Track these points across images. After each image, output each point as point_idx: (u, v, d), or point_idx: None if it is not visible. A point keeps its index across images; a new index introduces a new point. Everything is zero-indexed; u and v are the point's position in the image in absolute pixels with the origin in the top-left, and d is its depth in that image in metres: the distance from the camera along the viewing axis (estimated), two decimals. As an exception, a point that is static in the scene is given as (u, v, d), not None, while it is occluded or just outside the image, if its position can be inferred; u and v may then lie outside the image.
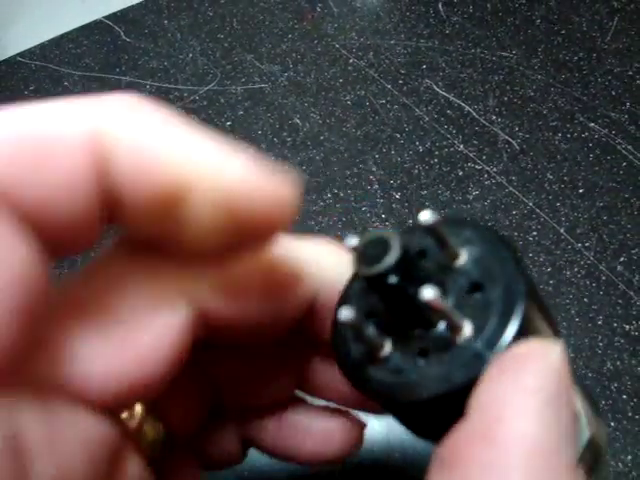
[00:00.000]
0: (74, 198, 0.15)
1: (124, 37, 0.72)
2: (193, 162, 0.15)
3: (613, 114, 0.61)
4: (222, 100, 0.65)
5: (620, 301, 0.51)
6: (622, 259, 0.52)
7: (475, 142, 0.60)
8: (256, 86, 0.66)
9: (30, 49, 0.73)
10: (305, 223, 0.56)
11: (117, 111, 0.15)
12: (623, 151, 0.59)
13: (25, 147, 0.14)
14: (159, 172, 0.15)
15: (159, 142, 0.15)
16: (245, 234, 0.17)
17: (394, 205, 0.57)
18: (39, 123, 0.15)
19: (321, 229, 0.56)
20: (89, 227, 0.15)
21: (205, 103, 0.65)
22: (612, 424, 0.45)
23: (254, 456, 0.27)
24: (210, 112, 0.64)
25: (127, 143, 0.15)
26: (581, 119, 0.61)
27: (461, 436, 0.15)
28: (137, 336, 0.16)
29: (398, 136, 0.61)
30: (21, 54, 0.72)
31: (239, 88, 0.66)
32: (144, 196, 0.15)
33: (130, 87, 0.67)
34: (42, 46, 0.73)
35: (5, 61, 0.72)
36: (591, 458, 0.19)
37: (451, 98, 0.64)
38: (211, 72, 0.68)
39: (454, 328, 0.17)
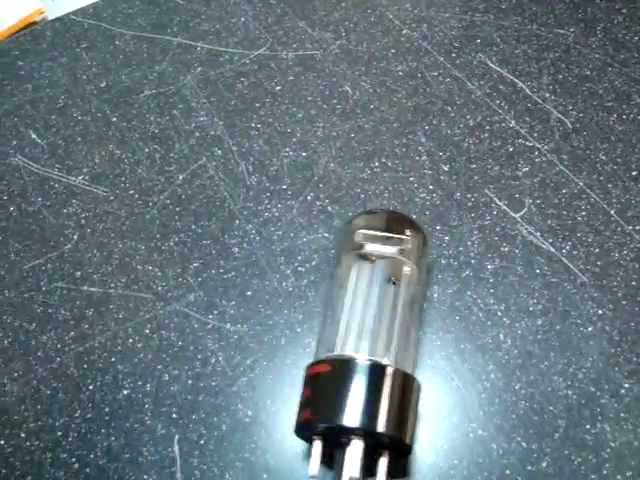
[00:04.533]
0: None
1: (177, -1, 0.72)
2: None
3: (672, 97, 0.60)
4: (272, 65, 0.65)
5: (669, 286, 0.49)
6: (674, 244, 0.51)
7: (527, 119, 0.59)
8: (307, 53, 0.66)
9: (83, 8, 0.73)
10: (352, 190, 0.56)
11: None
12: (680, 135, 0.57)
13: None
14: None
15: None
16: None
17: (442, 177, 0.56)
18: None
19: (367, 197, 0.55)
20: None
21: (256, 67, 0.65)
22: (654, 409, 0.45)
23: None
24: (260, 76, 0.64)
25: None
26: (638, 100, 0.60)
27: None
28: None
29: (449, 109, 0.60)
30: (74, 12, 0.73)
31: (290, 54, 0.66)
32: None
33: (181, 48, 0.67)
34: (95, 5, 0.73)
35: (58, 19, 0.73)
36: None
37: (504, 74, 0.62)
38: (262, 37, 0.67)
39: None
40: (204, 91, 0.63)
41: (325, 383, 0.39)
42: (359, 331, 0.42)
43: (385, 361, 0.40)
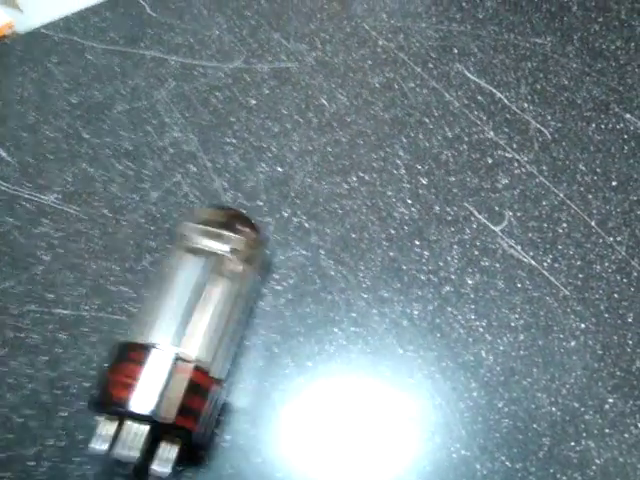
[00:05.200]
0: None
1: (149, 11, 0.71)
2: None
3: (650, 105, 0.59)
4: (248, 78, 0.64)
5: (652, 298, 0.49)
6: (655, 255, 0.51)
7: (506, 130, 0.59)
8: (282, 65, 0.65)
9: (54, 22, 0.72)
10: (329, 206, 0.55)
11: None
12: (659, 144, 0.57)
13: None
14: None
15: None
16: None
17: (420, 191, 0.55)
18: None
19: (345, 212, 0.54)
20: None
21: (230, 81, 0.64)
22: (639, 425, 0.44)
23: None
24: (235, 90, 0.63)
25: None
26: (616, 110, 0.59)
27: None
28: None
29: (427, 121, 0.60)
30: (45, 26, 0.71)
31: (265, 67, 0.65)
32: None
33: (154, 62, 0.66)
34: (66, 19, 0.72)
35: (29, 33, 0.71)
36: None
37: (482, 84, 0.62)
38: (237, 49, 0.66)
39: None
40: (178, 106, 0.62)
41: (117, 365, 0.41)
42: (169, 321, 0.43)
43: (183, 354, 0.41)
